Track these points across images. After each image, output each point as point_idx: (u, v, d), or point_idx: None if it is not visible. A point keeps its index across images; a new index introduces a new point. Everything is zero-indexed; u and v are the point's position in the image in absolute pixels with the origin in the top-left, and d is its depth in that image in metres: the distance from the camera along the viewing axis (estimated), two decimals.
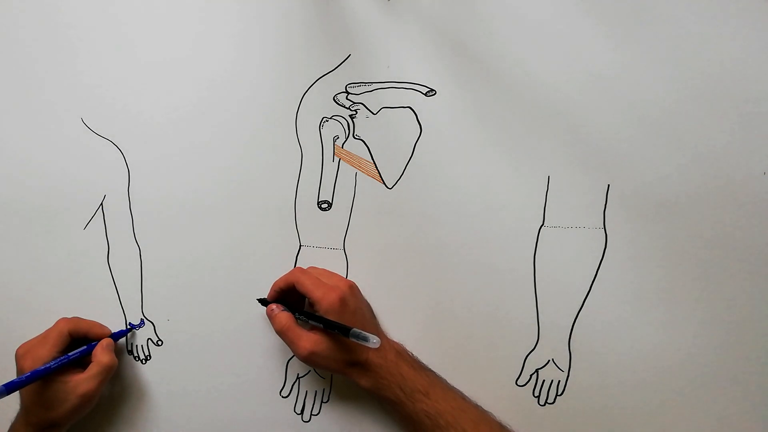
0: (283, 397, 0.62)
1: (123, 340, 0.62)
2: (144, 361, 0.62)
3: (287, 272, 0.59)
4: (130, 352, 0.62)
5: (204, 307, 0.62)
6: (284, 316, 0.56)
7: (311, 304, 0.56)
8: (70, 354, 0.57)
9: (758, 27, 0.56)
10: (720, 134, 0.57)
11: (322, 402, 0.62)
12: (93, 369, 0.57)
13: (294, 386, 0.62)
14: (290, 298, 0.59)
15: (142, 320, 0.62)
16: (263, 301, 0.60)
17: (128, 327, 0.62)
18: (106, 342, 0.59)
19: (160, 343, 0.62)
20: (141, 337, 0.62)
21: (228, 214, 0.61)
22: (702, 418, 0.58)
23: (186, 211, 0.62)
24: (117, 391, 0.62)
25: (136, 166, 0.62)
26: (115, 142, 0.62)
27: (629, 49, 0.57)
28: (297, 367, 0.62)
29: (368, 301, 0.61)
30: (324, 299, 0.54)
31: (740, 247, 0.57)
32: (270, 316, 0.58)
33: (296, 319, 0.57)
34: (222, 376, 0.62)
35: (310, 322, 0.55)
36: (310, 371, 0.62)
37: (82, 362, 0.59)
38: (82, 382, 0.56)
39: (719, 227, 0.57)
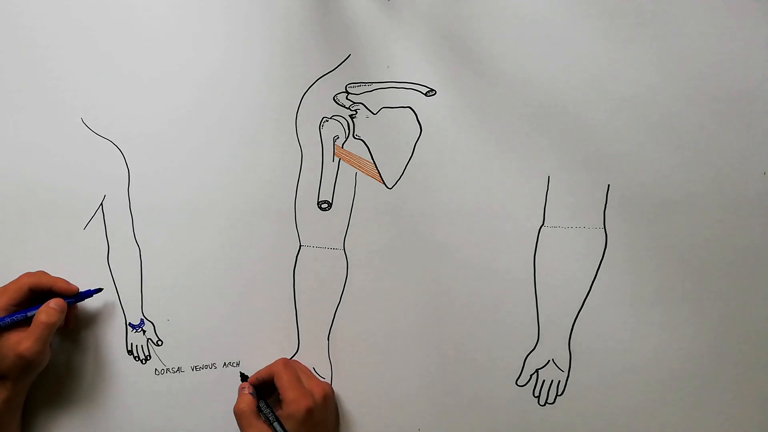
0: None
1: (123, 339, 0.62)
2: (144, 361, 0.62)
3: (273, 362, 0.59)
4: (130, 352, 0.62)
5: (204, 307, 0.62)
6: (247, 400, 0.57)
7: (280, 400, 0.56)
8: (22, 311, 0.57)
9: (758, 27, 0.56)
10: (720, 134, 0.57)
11: None
12: (31, 327, 0.56)
13: None
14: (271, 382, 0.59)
15: (142, 320, 0.62)
16: (243, 377, 0.60)
17: (95, 289, 0.61)
18: (54, 301, 0.57)
19: (160, 343, 0.62)
20: (141, 337, 0.62)
21: (228, 214, 0.61)
22: (702, 418, 0.58)
23: (186, 211, 0.62)
24: (116, 390, 0.62)
25: (136, 166, 0.62)
26: (115, 142, 0.62)
27: (629, 49, 0.57)
28: None
29: (368, 301, 0.61)
30: (293, 403, 0.54)
31: (740, 247, 0.57)
32: (239, 392, 0.59)
33: (258, 406, 0.57)
34: (222, 375, 0.62)
35: (268, 417, 0.56)
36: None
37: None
38: (21, 340, 0.55)
39: (719, 227, 0.57)
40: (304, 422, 0.54)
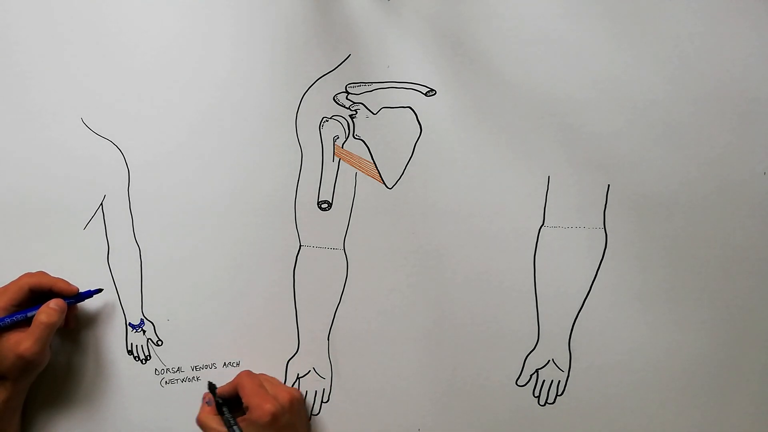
0: None
1: (123, 339, 0.62)
2: (144, 361, 0.62)
3: (236, 375, 0.59)
4: (130, 352, 0.62)
5: (204, 307, 0.62)
6: (206, 411, 0.58)
7: (246, 409, 0.56)
8: (22, 311, 0.57)
9: (758, 27, 0.56)
10: (720, 134, 0.57)
11: (322, 402, 0.62)
12: (31, 328, 0.56)
13: (294, 386, 0.62)
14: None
15: (142, 320, 0.62)
16: (211, 387, 0.60)
17: (95, 289, 0.61)
18: (54, 301, 0.57)
19: (160, 343, 0.62)
20: (141, 337, 0.62)
21: (228, 214, 0.61)
22: (702, 418, 0.58)
23: (186, 211, 0.62)
24: (116, 390, 0.62)
25: (136, 166, 0.62)
26: (115, 142, 0.62)
27: (629, 49, 0.57)
28: (297, 366, 0.62)
29: (368, 301, 0.61)
30: (257, 408, 0.54)
31: (740, 247, 0.57)
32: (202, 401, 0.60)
33: (222, 415, 0.57)
34: (222, 375, 0.62)
35: (233, 426, 0.55)
36: (310, 371, 0.62)
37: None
38: (21, 340, 0.55)
39: (719, 227, 0.57)
40: (269, 427, 0.54)
